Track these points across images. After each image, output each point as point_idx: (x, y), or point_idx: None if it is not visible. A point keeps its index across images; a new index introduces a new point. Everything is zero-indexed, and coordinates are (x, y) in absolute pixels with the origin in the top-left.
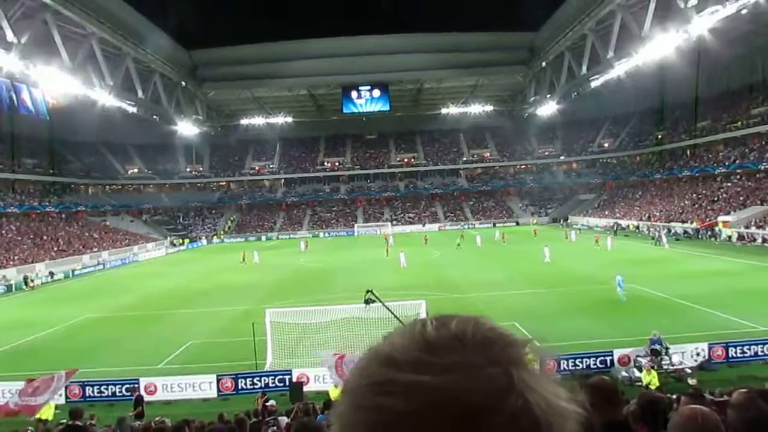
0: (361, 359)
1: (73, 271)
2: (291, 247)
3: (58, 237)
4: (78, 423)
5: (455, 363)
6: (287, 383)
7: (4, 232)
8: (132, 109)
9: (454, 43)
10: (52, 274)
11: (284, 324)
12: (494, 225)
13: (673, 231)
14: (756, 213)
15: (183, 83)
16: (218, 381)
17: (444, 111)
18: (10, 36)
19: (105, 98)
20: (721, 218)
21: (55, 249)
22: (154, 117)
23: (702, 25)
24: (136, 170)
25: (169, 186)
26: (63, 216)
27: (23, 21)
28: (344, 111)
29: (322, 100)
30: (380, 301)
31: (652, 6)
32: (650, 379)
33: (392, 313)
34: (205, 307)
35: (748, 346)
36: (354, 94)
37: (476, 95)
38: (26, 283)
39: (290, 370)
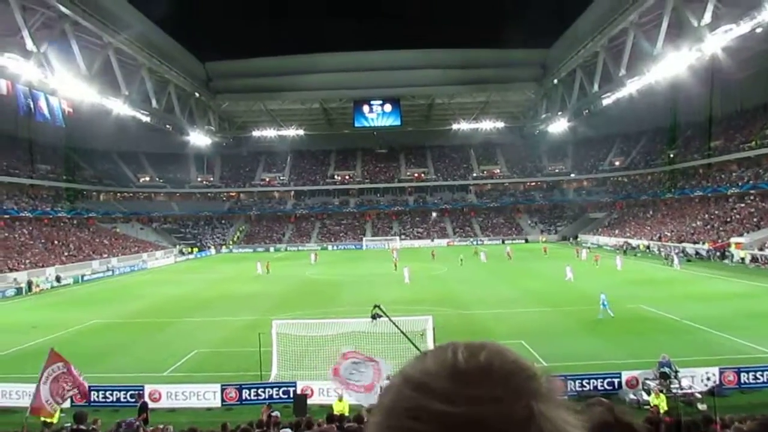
0: (395, 380)
1: (82, 276)
2: (300, 259)
3: (69, 242)
4: (82, 427)
5: (482, 395)
6: (291, 395)
7: (16, 235)
8: (146, 119)
9: (466, 58)
10: (59, 278)
11: (290, 336)
12: (503, 242)
13: (683, 251)
14: None
15: (197, 94)
16: (222, 391)
17: (455, 126)
18: (29, 45)
19: (120, 107)
20: (734, 239)
21: (66, 254)
22: (167, 127)
23: (715, 43)
24: (147, 179)
25: (179, 195)
26: (74, 222)
27: (43, 30)
28: (355, 125)
29: (334, 113)
30: (387, 317)
31: (664, 24)
32: (659, 402)
33: (399, 328)
34: (212, 316)
35: (761, 372)
36: (365, 108)
37: (487, 111)
38: (30, 288)
39: (295, 382)
